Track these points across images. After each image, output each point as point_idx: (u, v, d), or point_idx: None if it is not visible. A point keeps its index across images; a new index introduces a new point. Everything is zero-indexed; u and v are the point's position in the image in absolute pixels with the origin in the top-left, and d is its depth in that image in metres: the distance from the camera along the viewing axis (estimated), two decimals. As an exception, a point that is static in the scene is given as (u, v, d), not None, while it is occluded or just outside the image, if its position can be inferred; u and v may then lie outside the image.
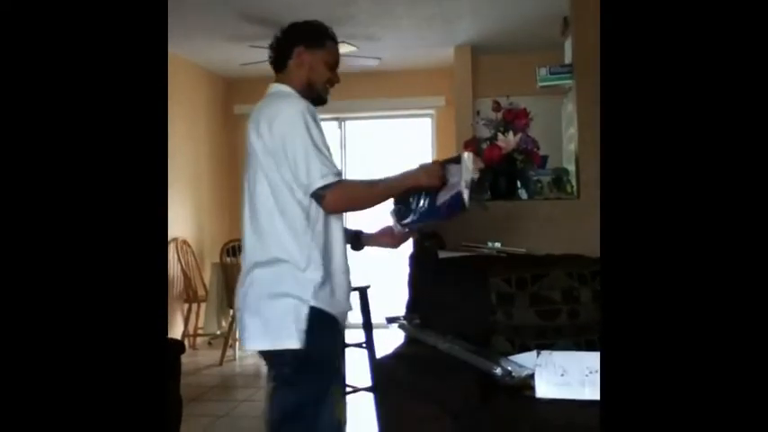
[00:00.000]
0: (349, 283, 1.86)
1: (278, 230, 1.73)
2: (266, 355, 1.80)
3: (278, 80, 1.90)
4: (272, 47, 1.92)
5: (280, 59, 1.90)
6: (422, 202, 1.88)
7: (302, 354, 1.70)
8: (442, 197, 1.85)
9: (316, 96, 1.90)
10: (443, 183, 1.85)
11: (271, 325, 1.73)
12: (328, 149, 1.76)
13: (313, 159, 1.69)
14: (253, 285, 1.77)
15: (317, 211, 1.75)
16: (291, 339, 1.70)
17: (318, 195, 1.70)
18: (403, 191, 1.87)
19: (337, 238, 1.81)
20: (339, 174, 1.73)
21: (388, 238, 2.04)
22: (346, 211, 1.85)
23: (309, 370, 1.73)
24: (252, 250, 1.79)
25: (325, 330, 1.75)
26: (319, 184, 1.69)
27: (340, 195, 1.71)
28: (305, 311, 1.70)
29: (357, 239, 2.07)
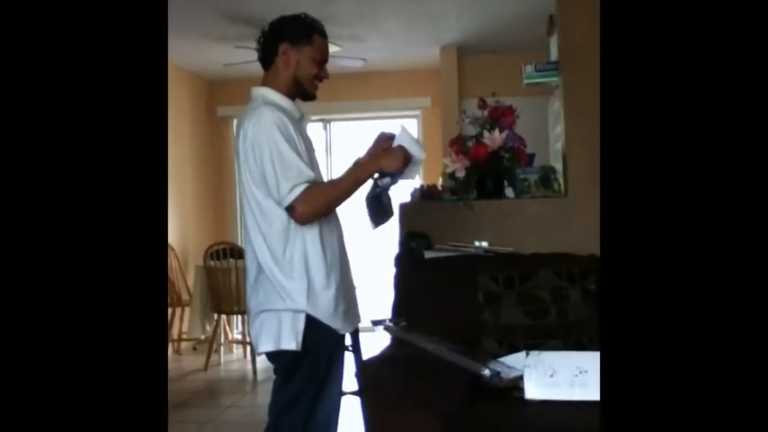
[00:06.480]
0: (339, 289, 1.83)
1: (261, 242, 1.78)
2: (269, 355, 1.86)
3: (264, 80, 1.89)
4: (258, 42, 1.89)
5: (266, 57, 1.87)
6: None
7: (298, 355, 1.77)
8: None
9: (303, 93, 1.89)
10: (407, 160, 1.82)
11: (272, 331, 1.79)
12: (301, 156, 1.74)
13: (279, 175, 1.71)
14: (253, 296, 1.84)
15: (295, 224, 1.77)
16: (289, 342, 1.77)
17: (291, 209, 1.73)
18: (370, 175, 1.82)
19: (314, 246, 1.79)
20: (308, 180, 1.73)
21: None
22: (320, 216, 1.79)
23: (302, 369, 1.79)
24: (248, 260, 1.85)
25: (315, 334, 1.79)
26: (289, 199, 1.71)
27: (308, 205, 1.73)
28: (300, 318, 1.77)
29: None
